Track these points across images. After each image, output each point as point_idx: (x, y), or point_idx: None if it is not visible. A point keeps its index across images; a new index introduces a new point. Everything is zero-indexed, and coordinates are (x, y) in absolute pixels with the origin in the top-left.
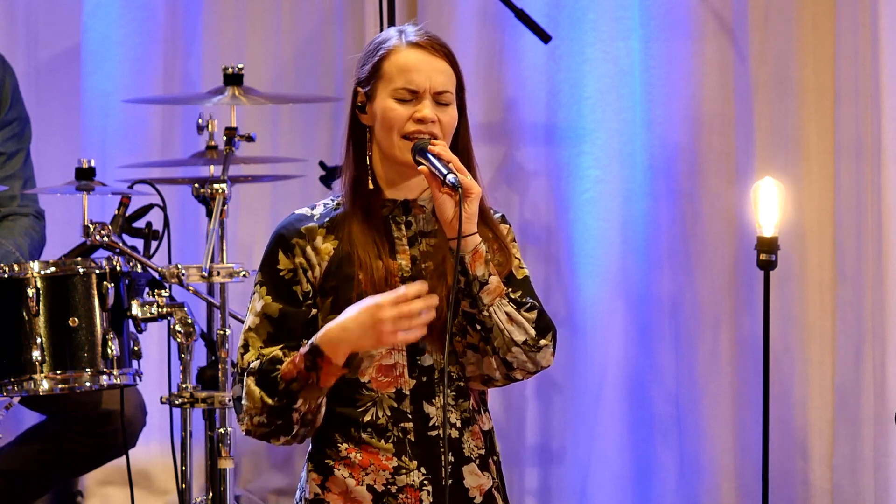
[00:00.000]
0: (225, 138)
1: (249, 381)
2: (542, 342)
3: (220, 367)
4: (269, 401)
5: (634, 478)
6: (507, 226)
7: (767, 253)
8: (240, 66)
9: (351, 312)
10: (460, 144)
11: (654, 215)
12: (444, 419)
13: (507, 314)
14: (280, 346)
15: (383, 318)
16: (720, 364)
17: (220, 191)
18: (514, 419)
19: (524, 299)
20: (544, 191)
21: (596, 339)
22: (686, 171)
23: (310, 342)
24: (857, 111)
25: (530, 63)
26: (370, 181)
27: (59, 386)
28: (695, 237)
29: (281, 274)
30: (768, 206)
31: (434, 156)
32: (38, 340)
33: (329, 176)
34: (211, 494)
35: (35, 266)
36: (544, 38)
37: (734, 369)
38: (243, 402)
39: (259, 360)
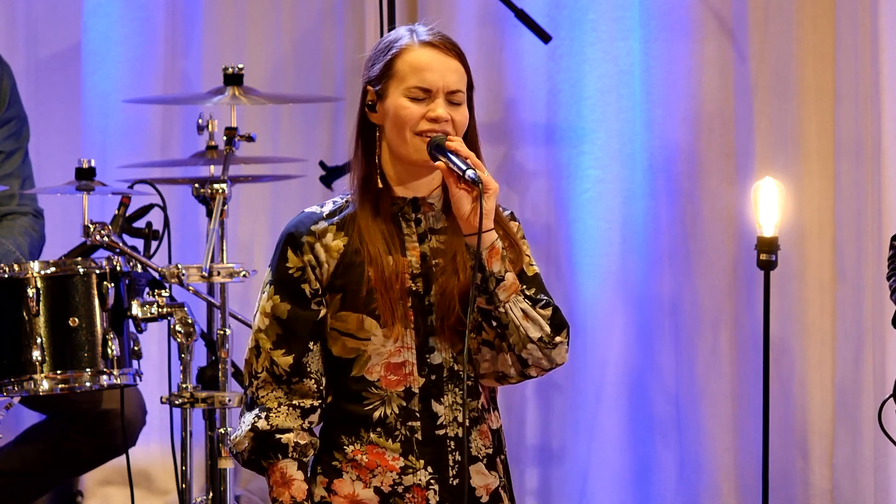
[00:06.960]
0: (225, 138)
1: (247, 437)
2: (557, 339)
3: (220, 367)
4: (257, 464)
5: (634, 478)
6: (517, 223)
7: (767, 253)
8: (240, 66)
9: None
10: (468, 143)
11: (654, 215)
12: (464, 416)
13: (522, 311)
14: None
15: None
16: (720, 364)
17: (220, 191)
18: (514, 419)
19: (538, 296)
20: (544, 191)
21: (596, 338)
22: (686, 171)
23: None
24: (857, 111)
25: (530, 63)
26: (379, 180)
27: (59, 386)
28: (695, 237)
29: (290, 272)
30: (768, 206)
31: (452, 152)
32: (38, 340)
33: (329, 176)
34: (211, 494)
35: (35, 266)
36: (544, 38)
37: (734, 369)
38: (238, 435)
39: (266, 418)
